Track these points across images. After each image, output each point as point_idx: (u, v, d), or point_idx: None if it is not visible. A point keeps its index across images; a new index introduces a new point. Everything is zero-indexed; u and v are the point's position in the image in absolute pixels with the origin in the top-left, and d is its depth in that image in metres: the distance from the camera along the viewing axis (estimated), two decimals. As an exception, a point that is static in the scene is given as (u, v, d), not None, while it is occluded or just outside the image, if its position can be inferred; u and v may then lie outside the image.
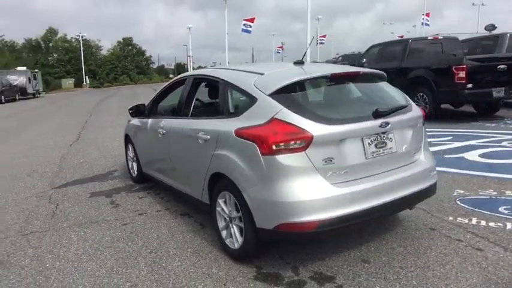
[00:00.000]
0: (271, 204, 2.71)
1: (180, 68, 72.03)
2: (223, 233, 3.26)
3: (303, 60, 3.58)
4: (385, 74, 3.47)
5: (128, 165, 5.77)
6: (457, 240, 3.33)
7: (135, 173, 5.52)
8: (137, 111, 4.92)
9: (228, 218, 3.19)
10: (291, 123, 2.70)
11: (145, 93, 26.43)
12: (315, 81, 3.19)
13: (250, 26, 40.03)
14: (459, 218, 3.79)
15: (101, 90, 48.89)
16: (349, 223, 2.79)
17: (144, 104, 4.96)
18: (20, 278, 3.10)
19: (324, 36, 57.26)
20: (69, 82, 58.94)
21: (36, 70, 39.93)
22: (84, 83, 59.29)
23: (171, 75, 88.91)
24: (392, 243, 3.34)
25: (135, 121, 5.19)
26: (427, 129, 3.48)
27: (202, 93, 4.34)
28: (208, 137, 3.26)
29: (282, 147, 2.65)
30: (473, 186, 4.72)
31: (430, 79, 9.15)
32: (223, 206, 3.21)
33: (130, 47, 74.64)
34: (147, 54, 78.26)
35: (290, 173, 2.67)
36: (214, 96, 4.01)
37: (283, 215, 2.69)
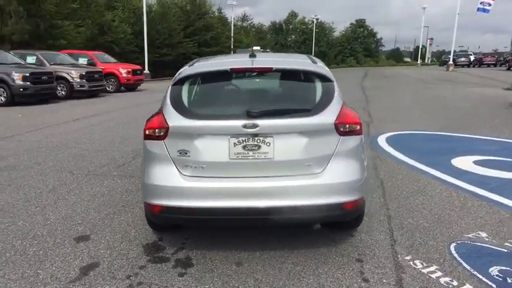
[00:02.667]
0: (141, 182, 3.08)
1: (418, 51, 67.75)
2: None
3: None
4: (318, 71, 3.09)
5: None
6: None
7: None
8: None
9: None
10: (163, 114, 2.95)
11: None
12: (212, 75, 3.18)
13: (489, 5, 34.07)
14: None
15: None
16: (202, 217, 2.86)
17: None
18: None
19: None
20: (299, 61, 64.59)
21: (267, 50, 45.45)
22: (313, 63, 63.61)
23: (407, 59, 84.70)
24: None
25: None
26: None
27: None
28: None
29: (150, 133, 2.94)
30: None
31: None
32: None
33: (361, 29, 74.96)
34: (378, 37, 76.92)
35: (151, 158, 2.95)
36: None
37: (144, 194, 3.02)
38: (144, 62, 27.76)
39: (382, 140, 7.25)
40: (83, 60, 18.37)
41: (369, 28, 75.59)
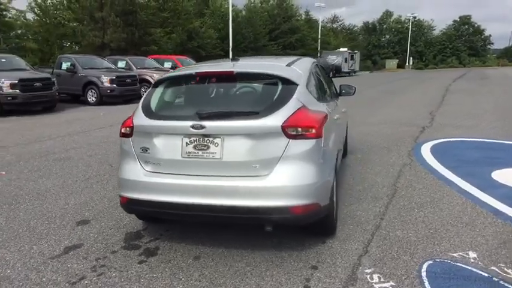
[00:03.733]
0: None
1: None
2: None
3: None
4: (279, 74, 3.09)
5: None
6: None
7: None
8: None
9: None
10: (133, 115, 3.23)
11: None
12: (180, 79, 3.36)
13: None
14: None
15: (422, 72, 48.29)
16: (159, 210, 3.07)
17: None
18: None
19: None
20: (392, 63, 61.54)
21: (355, 51, 44.17)
22: (407, 64, 60.11)
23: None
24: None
25: None
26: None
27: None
28: None
29: (122, 131, 3.24)
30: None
31: None
32: None
33: (466, 26, 68.57)
34: (486, 34, 69.54)
35: (123, 154, 3.25)
36: None
37: (118, 187, 3.33)
38: (228, 65, 29.15)
39: (426, 147, 6.73)
40: (167, 64, 19.99)
41: (475, 25, 68.77)
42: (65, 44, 22.99)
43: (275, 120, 2.84)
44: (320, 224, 3.22)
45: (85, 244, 3.44)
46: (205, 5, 33.35)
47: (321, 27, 47.98)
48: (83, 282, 2.84)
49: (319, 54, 42.23)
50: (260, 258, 3.13)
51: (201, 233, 3.57)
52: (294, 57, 3.93)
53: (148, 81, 16.71)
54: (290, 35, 38.44)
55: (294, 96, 3.02)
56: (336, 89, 5.26)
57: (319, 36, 45.46)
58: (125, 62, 17.38)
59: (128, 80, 15.18)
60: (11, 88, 11.29)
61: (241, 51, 32.89)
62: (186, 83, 3.44)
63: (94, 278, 2.89)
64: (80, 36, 22.12)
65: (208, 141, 2.92)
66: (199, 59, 28.04)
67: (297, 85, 3.13)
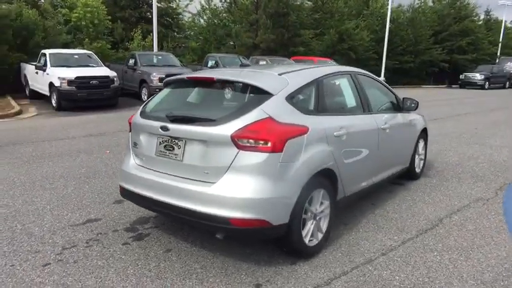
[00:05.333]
0: None
1: None
2: None
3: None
4: (254, 83, 3.03)
5: None
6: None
7: None
8: None
9: None
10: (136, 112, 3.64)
11: None
12: (177, 82, 3.56)
13: None
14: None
15: None
16: (140, 201, 3.40)
17: None
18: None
19: None
20: None
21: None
22: None
23: None
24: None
25: None
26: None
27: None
28: None
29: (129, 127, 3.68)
30: None
31: None
32: None
33: None
34: None
35: (126, 147, 3.69)
36: None
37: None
38: (381, 68, 27.84)
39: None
40: (309, 66, 20.36)
41: None
42: (223, 44, 25.54)
43: (227, 129, 2.84)
44: (283, 243, 3.07)
45: (102, 220, 4.03)
46: (366, 6, 32.36)
47: (505, 29, 41.06)
48: (70, 250, 3.38)
49: (497, 60, 36.36)
50: (217, 264, 3.17)
51: (196, 232, 3.75)
52: (311, 66, 3.74)
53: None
54: (460, 37, 34.03)
55: (260, 106, 2.94)
56: (398, 101, 4.78)
57: (500, 40, 39.01)
58: (214, 61, 17.78)
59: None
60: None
61: (397, 55, 30.89)
62: (179, 86, 3.67)
63: (81, 248, 3.41)
64: (234, 37, 24.35)
65: (174, 142, 3.11)
66: (349, 61, 27.63)
67: (271, 95, 3.02)
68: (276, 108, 2.99)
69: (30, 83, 13.99)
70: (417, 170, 5.43)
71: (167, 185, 3.10)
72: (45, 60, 12.64)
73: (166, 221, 3.98)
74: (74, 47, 17.29)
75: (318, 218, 3.30)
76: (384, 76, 28.39)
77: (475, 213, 4.32)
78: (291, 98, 3.14)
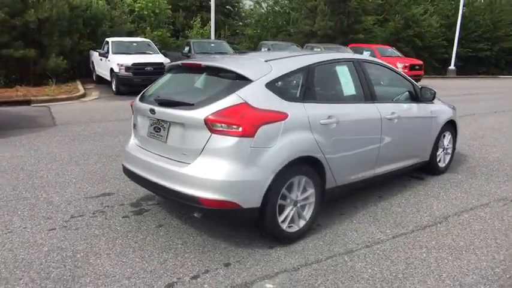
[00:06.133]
0: None
1: None
2: None
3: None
4: (234, 69, 3.13)
5: None
6: None
7: None
8: None
9: None
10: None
11: None
12: (175, 68, 3.71)
13: None
14: None
15: None
16: (135, 179, 3.64)
17: None
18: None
19: None
20: None
21: None
22: None
23: None
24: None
25: None
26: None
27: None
28: None
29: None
30: None
31: None
32: None
33: None
34: None
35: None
36: None
37: None
38: (451, 57, 26.04)
39: None
40: (366, 53, 19.66)
41: None
42: (281, 31, 25.42)
43: (202, 113, 2.95)
44: (259, 227, 3.16)
45: (115, 194, 4.37)
46: (438, -11, 30.23)
47: None
48: (77, 218, 3.74)
49: None
50: (198, 242, 3.33)
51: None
52: (307, 53, 3.72)
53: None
54: (548, 22, 30.47)
55: (237, 92, 3.00)
56: (416, 90, 4.59)
57: None
58: (319, 49, 18.05)
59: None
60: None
61: (471, 42, 28.53)
62: (176, 72, 3.80)
63: (86, 218, 3.76)
64: (291, 24, 24.11)
65: (160, 124, 3.30)
66: (414, 49, 26.14)
67: (250, 81, 3.08)
68: (253, 94, 3.03)
69: (96, 68, 15.14)
70: (441, 164, 5.13)
71: (153, 164, 3.30)
72: (108, 48, 13.61)
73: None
74: (137, 35, 18.33)
75: (299, 205, 3.31)
76: (455, 65, 26.51)
77: (490, 213, 4.02)
78: (272, 84, 3.16)
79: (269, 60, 3.40)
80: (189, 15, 23.91)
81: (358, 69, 3.93)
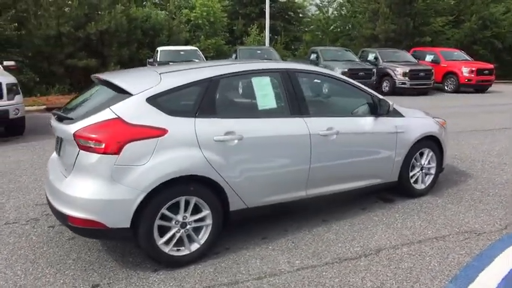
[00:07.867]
0: None
1: None
2: None
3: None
4: (117, 83, 3.07)
5: None
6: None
7: None
8: None
9: None
10: None
11: None
12: (94, 81, 3.65)
13: None
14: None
15: None
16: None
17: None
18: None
19: None
20: None
21: None
22: None
23: None
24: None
25: None
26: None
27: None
28: None
29: None
30: None
31: None
32: None
33: None
34: None
35: None
36: None
37: None
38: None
39: None
40: (429, 58, 18.17)
41: None
42: (343, 35, 24.58)
43: (73, 128, 2.88)
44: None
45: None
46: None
47: None
48: (8, 225, 3.91)
49: None
50: (85, 259, 3.25)
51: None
52: (215, 64, 3.52)
53: (390, 76, 16.00)
54: None
55: (111, 107, 2.89)
56: (375, 102, 4.05)
57: None
58: (374, 55, 17.12)
59: (422, 74, 15.74)
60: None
61: None
62: (94, 85, 3.70)
63: (16, 225, 3.91)
64: (352, 29, 23.13)
65: (58, 139, 3.30)
66: (493, 51, 23.52)
67: (130, 95, 2.95)
68: (129, 109, 2.90)
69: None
70: (418, 186, 4.45)
71: (52, 179, 3.28)
72: (156, 56, 14.36)
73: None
74: (193, 44, 19.04)
75: (189, 226, 3.09)
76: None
77: (440, 248, 3.36)
78: (154, 99, 2.99)
79: (163, 73, 3.24)
80: (248, 23, 24.25)
81: (285, 80, 3.57)
